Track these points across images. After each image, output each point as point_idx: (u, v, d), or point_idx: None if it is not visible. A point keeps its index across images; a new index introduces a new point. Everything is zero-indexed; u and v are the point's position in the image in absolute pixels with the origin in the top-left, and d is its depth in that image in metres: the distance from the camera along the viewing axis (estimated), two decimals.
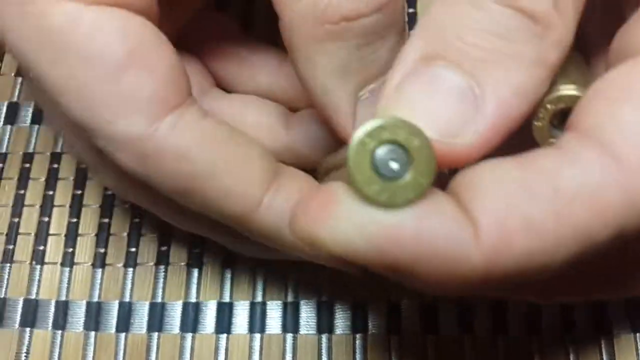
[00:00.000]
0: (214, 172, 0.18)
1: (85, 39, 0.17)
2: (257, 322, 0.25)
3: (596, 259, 0.14)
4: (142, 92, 0.17)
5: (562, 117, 0.16)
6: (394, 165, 0.14)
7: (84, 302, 0.25)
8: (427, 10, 0.16)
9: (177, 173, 0.18)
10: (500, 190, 0.14)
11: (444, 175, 0.16)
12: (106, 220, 0.27)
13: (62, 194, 0.27)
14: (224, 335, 0.25)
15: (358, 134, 0.14)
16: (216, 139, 0.18)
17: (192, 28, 0.23)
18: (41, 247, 0.26)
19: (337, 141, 0.20)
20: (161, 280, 0.26)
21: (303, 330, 0.25)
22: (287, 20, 0.18)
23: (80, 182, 0.27)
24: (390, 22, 0.18)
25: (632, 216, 0.13)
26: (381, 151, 0.14)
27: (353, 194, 0.14)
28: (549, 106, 0.16)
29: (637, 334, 0.24)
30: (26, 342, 0.25)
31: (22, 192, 0.27)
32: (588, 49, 0.19)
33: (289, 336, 0.24)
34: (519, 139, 0.17)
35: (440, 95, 0.15)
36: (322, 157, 0.22)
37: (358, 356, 0.24)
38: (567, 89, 0.16)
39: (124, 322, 0.25)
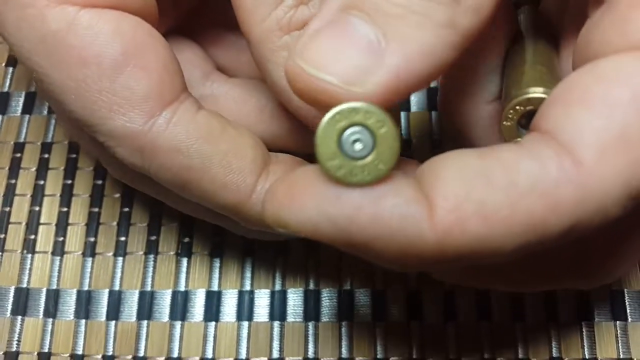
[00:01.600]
0: (208, 164, 0.19)
1: (81, 41, 0.18)
2: (245, 310, 0.25)
3: (554, 250, 0.15)
4: (137, 90, 0.18)
5: (529, 118, 0.17)
6: (358, 147, 0.14)
7: (75, 290, 0.26)
8: None
9: (173, 166, 0.18)
10: (459, 175, 0.15)
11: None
12: (96, 209, 0.27)
13: (53, 184, 0.28)
14: (213, 323, 0.25)
15: (331, 112, 0.14)
16: (209, 132, 0.19)
17: (193, 14, 0.24)
18: (32, 236, 0.27)
19: None
20: (150, 269, 0.26)
21: (290, 318, 0.25)
22: (255, 37, 0.19)
23: (70, 171, 0.28)
24: None
25: (585, 212, 0.14)
26: (349, 131, 0.14)
27: (317, 178, 0.15)
28: (518, 107, 0.17)
29: (617, 322, 0.25)
30: (17, 330, 0.25)
31: (13, 181, 0.28)
32: (562, 41, 0.19)
33: (276, 324, 0.25)
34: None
35: (348, 43, 0.15)
36: None
37: (344, 343, 0.24)
38: (536, 92, 0.17)
39: (114, 310, 0.25)
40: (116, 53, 0.18)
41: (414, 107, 0.28)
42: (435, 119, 0.28)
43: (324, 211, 0.14)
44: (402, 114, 0.28)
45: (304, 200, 0.14)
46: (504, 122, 0.18)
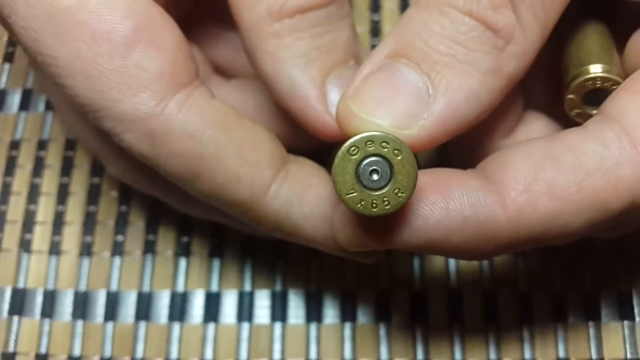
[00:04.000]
0: (222, 154, 0.18)
1: (92, 17, 0.17)
2: (245, 311, 0.25)
3: (610, 226, 0.17)
4: (150, 70, 0.17)
5: (590, 93, 0.19)
6: (376, 177, 0.15)
7: (72, 291, 0.25)
8: (406, 11, 0.18)
9: (185, 154, 0.17)
10: (527, 158, 0.16)
11: None
12: (93, 208, 0.26)
13: (49, 182, 0.27)
14: (212, 325, 0.25)
15: (347, 143, 0.15)
16: (225, 120, 0.18)
17: (190, 13, 0.23)
18: (28, 236, 0.26)
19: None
20: (148, 269, 0.25)
21: (291, 320, 0.24)
22: (246, 23, 0.18)
23: (66, 170, 0.27)
24: (339, 12, 0.19)
25: None
26: (366, 162, 0.15)
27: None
28: (586, 83, 0.19)
29: (625, 322, 0.24)
30: (15, 330, 0.25)
31: (9, 179, 0.27)
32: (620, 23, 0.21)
33: (277, 325, 0.24)
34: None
35: (398, 89, 0.16)
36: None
37: (347, 345, 0.24)
38: (605, 71, 0.19)
39: (111, 311, 0.25)
40: (128, 30, 0.17)
41: None
42: None
43: (412, 236, 0.16)
44: None
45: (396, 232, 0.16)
46: (569, 96, 0.19)
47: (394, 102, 0.16)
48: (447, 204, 0.16)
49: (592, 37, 0.20)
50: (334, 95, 0.19)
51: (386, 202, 0.15)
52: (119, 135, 0.18)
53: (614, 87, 0.18)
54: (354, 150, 0.15)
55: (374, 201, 0.15)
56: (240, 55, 0.24)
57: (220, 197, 0.18)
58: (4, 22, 0.18)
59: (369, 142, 0.15)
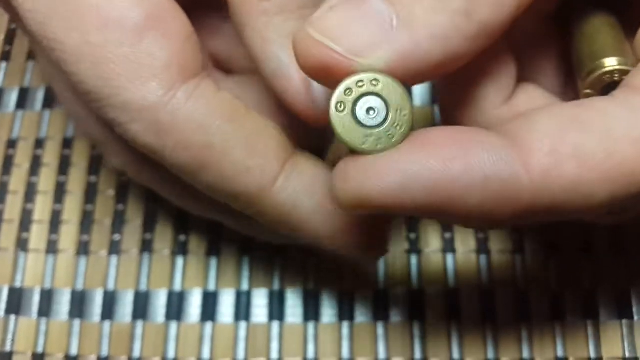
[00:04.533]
0: (231, 144, 0.17)
1: (103, 2, 0.17)
2: (242, 310, 0.25)
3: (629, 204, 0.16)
4: (159, 58, 0.17)
5: (607, 87, 0.18)
6: (373, 114, 0.15)
7: (69, 290, 0.25)
8: None
9: (192, 145, 0.17)
10: (555, 120, 0.15)
11: None
12: (90, 207, 0.26)
13: (46, 181, 0.27)
14: (209, 324, 0.24)
15: (338, 88, 0.15)
16: (233, 111, 0.18)
17: (188, 6, 0.23)
18: (25, 235, 0.26)
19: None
20: (145, 268, 0.25)
21: (289, 319, 0.24)
22: (236, 1, 0.19)
23: (63, 168, 0.27)
24: None
25: None
26: (360, 103, 0.15)
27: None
28: (605, 77, 0.18)
29: (623, 320, 0.24)
30: (11, 330, 0.25)
31: (5, 178, 0.27)
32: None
33: (275, 324, 0.24)
34: None
35: (361, 17, 0.15)
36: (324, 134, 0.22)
37: (344, 344, 0.24)
38: (622, 64, 0.18)
39: (108, 311, 0.25)
40: (140, 17, 0.17)
41: (416, 102, 0.27)
42: (438, 115, 0.27)
43: (412, 172, 0.14)
44: None
45: (387, 168, 0.14)
46: (586, 90, 0.18)
47: (354, 29, 0.15)
48: (468, 159, 0.15)
49: (604, 29, 0.19)
50: None
51: (390, 136, 0.15)
52: (124, 125, 0.17)
53: None
54: (347, 92, 0.15)
55: (379, 138, 0.15)
56: (239, 49, 0.24)
57: (227, 189, 0.18)
58: (7, 6, 0.18)
59: (360, 83, 0.15)
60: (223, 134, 0.17)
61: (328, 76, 0.15)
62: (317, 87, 0.19)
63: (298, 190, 0.18)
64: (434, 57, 0.15)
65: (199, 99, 0.17)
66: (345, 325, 0.24)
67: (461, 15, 0.15)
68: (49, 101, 0.28)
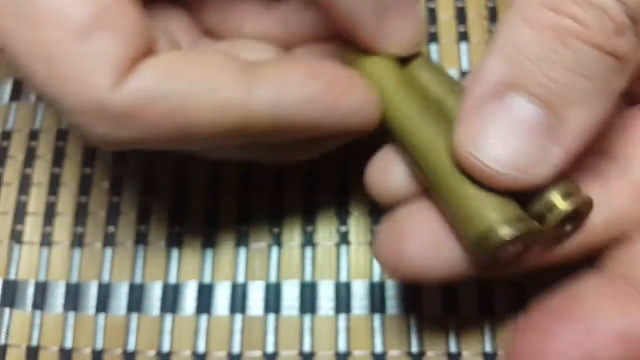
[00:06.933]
0: (198, 95, 0.17)
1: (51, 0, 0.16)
2: (238, 303, 0.24)
3: None
4: (110, 54, 0.17)
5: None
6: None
7: (63, 282, 0.25)
8: (507, 22, 0.17)
9: (166, 119, 0.17)
10: None
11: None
12: (84, 199, 0.26)
13: (40, 173, 0.27)
14: (205, 316, 0.24)
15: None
16: (185, 68, 0.18)
17: None
18: (19, 227, 0.26)
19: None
20: (140, 260, 0.25)
21: (285, 311, 0.24)
22: None
23: (58, 160, 0.27)
24: None
25: None
26: None
27: None
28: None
29: None
30: (6, 323, 0.25)
31: (0, 170, 0.27)
32: None
33: (271, 317, 0.24)
34: None
35: (518, 126, 0.16)
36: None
37: (341, 337, 0.24)
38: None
39: (103, 303, 0.25)
40: (88, 13, 0.17)
41: None
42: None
43: None
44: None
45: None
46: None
47: (513, 140, 0.16)
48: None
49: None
50: (388, 17, 0.19)
51: None
52: (89, 128, 0.17)
53: None
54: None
55: None
56: (228, 17, 0.23)
57: (219, 122, 0.18)
58: None
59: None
60: (187, 92, 0.17)
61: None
62: (389, 22, 0.20)
63: (275, 95, 0.18)
64: (592, 138, 0.16)
65: (150, 78, 0.17)
66: (342, 318, 0.24)
67: (613, 98, 0.16)
68: None
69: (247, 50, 0.22)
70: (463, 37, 0.27)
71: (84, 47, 0.17)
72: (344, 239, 0.25)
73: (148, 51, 0.18)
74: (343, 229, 0.25)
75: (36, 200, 0.26)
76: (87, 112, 0.17)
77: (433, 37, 0.27)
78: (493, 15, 0.28)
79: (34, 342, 0.24)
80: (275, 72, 0.18)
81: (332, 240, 0.25)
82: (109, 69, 0.17)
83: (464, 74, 0.27)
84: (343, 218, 0.25)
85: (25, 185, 0.27)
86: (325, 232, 0.25)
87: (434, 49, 0.27)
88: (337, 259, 0.25)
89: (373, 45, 0.20)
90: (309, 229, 0.25)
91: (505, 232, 0.15)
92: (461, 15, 0.28)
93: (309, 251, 0.25)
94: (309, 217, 0.25)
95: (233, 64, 0.18)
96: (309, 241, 0.25)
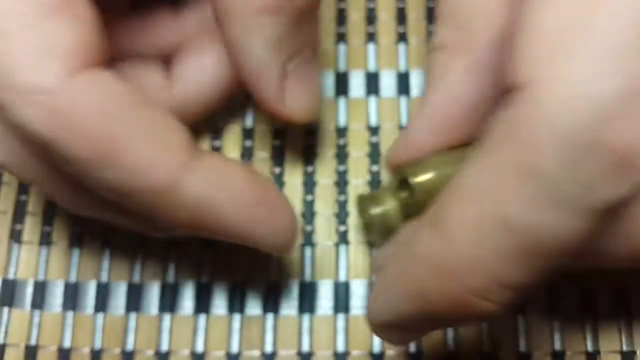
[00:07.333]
0: (134, 135, 0.17)
1: None
2: (236, 302, 0.24)
3: None
4: (64, 41, 0.16)
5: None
6: None
7: (62, 282, 0.25)
8: None
9: (92, 134, 0.16)
10: None
11: None
12: None
13: None
14: (203, 316, 0.24)
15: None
16: (135, 102, 0.17)
17: None
18: (18, 226, 0.26)
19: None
20: (139, 259, 0.25)
21: (284, 311, 0.24)
22: None
23: None
24: (315, 4, 0.20)
25: None
26: None
27: None
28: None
29: None
30: (4, 322, 0.25)
31: None
32: None
33: (270, 317, 0.24)
34: None
35: None
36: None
37: (340, 337, 0.24)
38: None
39: (102, 303, 0.25)
40: None
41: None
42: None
43: None
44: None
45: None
46: None
47: None
48: None
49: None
50: (290, 82, 0.21)
51: None
52: (17, 109, 0.16)
53: None
54: None
55: None
56: (141, 41, 0.23)
57: (130, 184, 0.17)
58: None
59: None
60: (126, 124, 0.17)
61: None
62: (290, 89, 0.21)
63: (208, 184, 0.18)
64: None
65: (101, 87, 0.17)
66: (341, 317, 0.24)
67: None
68: None
69: (137, 75, 0.22)
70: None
71: (38, 29, 0.16)
72: (343, 238, 0.25)
73: (104, 53, 0.18)
74: (342, 228, 0.25)
75: (35, 200, 0.26)
76: (29, 97, 0.16)
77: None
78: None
79: (33, 342, 0.24)
80: (216, 164, 0.18)
81: (331, 240, 0.25)
82: (61, 55, 0.16)
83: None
84: (342, 217, 0.25)
85: (24, 185, 0.26)
86: (324, 231, 0.25)
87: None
88: (336, 258, 0.25)
89: (272, 106, 0.21)
90: (308, 228, 0.25)
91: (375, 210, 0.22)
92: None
93: (308, 250, 0.25)
94: (308, 216, 0.25)
95: (186, 135, 0.18)
96: (308, 240, 0.25)
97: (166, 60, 0.24)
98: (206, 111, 0.24)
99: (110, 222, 0.21)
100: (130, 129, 0.17)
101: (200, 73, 0.23)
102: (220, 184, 0.18)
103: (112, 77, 0.17)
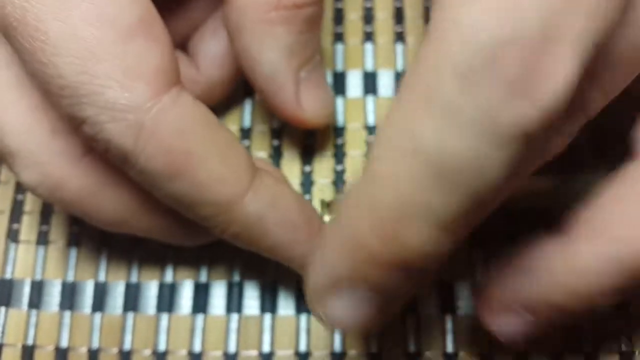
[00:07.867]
0: (209, 152, 0.18)
1: None
2: (234, 302, 0.24)
3: None
4: (149, 61, 0.17)
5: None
6: None
7: (59, 281, 0.25)
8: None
9: (172, 150, 0.17)
10: None
11: None
12: None
13: None
14: (201, 316, 0.24)
15: None
16: (210, 121, 0.19)
17: None
18: (16, 225, 0.26)
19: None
20: (136, 259, 0.25)
21: (281, 311, 0.24)
22: (238, 4, 0.20)
23: None
24: (322, 13, 0.21)
25: None
26: None
27: None
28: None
29: None
30: (1, 321, 0.25)
31: None
32: None
33: (267, 316, 0.24)
34: None
35: None
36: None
37: (337, 337, 0.24)
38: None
39: (99, 302, 0.25)
40: (133, 17, 0.17)
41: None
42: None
43: None
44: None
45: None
46: None
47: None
48: None
49: None
50: (304, 88, 0.22)
51: None
52: (100, 124, 0.17)
53: None
54: None
55: None
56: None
57: (198, 197, 0.18)
58: None
59: None
60: (202, 142, 0.18)
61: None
62: (305, 95, 0.22)
63: (265, 203, 0.19)
64: None
65: (182, 107, 0.18)
66: None
67: None
68: None
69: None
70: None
71: (124, 49, 0.17)
72: None
73: (179, 71, 0.18)
74: None
75: (32, 199, 0.26)
76: (115, 114, 0.17)
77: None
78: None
79: (30, 341, 0.24)
80: (272, 184, 0.20)
81: None
82: (147, 75, 0.17)
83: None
84: None
85: (20, 183, 0.26)
86: None
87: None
88: None
89: (291, 112, 0.22)
90: None
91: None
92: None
93: None
94: None
95: (249, 157, 0.20)
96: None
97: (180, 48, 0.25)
98: (230, 89, 0.25)
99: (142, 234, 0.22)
100: (205, 147, 0.18)
101: (221, 53, 0.24)
102: (277, 203, 0.19)
103: (190, 97, 0.18)
